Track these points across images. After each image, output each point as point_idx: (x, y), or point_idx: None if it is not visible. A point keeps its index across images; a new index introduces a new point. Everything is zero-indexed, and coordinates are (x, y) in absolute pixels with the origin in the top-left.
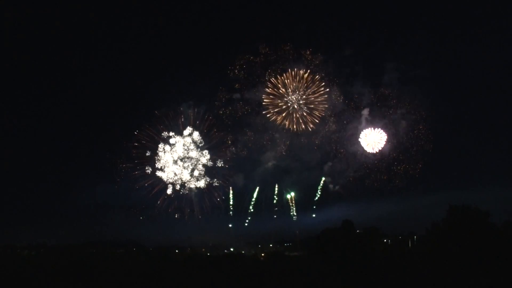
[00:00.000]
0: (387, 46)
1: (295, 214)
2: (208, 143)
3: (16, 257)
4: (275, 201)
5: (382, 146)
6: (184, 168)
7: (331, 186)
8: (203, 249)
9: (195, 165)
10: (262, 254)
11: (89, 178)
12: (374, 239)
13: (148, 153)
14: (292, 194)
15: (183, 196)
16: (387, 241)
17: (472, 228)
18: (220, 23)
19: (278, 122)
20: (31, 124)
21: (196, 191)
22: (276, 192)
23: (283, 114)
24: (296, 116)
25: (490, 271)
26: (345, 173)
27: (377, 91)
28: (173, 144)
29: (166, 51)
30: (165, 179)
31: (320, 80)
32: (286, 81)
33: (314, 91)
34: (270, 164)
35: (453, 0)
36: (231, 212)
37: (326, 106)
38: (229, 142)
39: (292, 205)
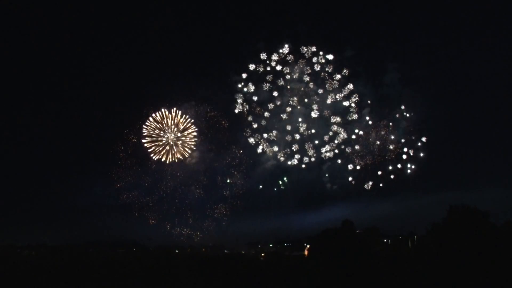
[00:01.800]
0: (388, 47)
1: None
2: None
3: (16, 257)
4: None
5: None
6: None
7: (329, 185)
8: (203, 249)
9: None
10: (262, 254)
11: (89, 178)
12: (374, 239)
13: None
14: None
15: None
16: (387, 241)
17: (472, 228)
18: (221, 23)
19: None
20: (31, 124)
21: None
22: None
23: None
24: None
25: (490, 271)
26: (343, 173)
27: (378, 92)
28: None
29: (168, 51)
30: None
31: None
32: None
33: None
34: (269, 163)
35: (454, 1)
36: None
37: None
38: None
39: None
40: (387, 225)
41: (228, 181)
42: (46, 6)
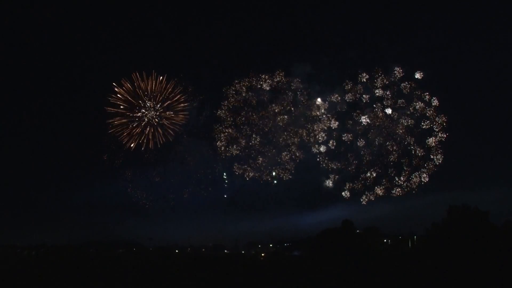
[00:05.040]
0: (390, 47)
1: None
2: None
3: (16, 257)
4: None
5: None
6: None
7: (326, 184)
8: (203, 249)
9: None
10: (262, 254)
11: (88, 178)
12: (374, 239)
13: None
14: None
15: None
16: (387, 241)
17: (472, 228)
18: (221, 23)
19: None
20: (31, 124)
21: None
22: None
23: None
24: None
25: (490, 271)
26: (341, 173)
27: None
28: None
29: (169, 51)
30: None
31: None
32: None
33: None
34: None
35: (456, 1)
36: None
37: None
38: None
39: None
40: (387, 225)
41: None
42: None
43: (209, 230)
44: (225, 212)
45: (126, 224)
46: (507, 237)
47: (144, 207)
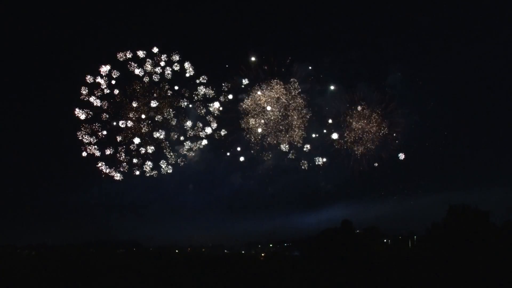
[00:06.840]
0: (390, 48)
1: None
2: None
3: (16, 257)
4: None
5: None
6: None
7: (323, 184)
8: (203, 249)
9: None
10: (262, 254)
11: (88, 178)
12: (374, 239)
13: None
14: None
15: None
16: (387, 241)
17: (472, 228)
18: (223, 22)
19: None
20: (30, 124)
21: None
22: None
23: None
24: None
25: (490, 271)
26: (340, 173)
27: (379, 93)
28: None
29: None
30: None
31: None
32: None
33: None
34: (269, 162)
35: (456, 2)
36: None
37: None
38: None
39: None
40: (387, 225)
41: None
42: None
43: (209, 230)
44: (225, 212)
45: (126, 224)
46: (507, 237)
47: (144, 207)
